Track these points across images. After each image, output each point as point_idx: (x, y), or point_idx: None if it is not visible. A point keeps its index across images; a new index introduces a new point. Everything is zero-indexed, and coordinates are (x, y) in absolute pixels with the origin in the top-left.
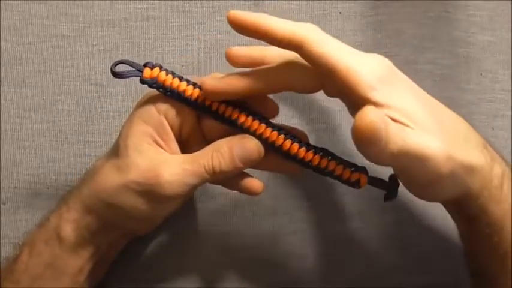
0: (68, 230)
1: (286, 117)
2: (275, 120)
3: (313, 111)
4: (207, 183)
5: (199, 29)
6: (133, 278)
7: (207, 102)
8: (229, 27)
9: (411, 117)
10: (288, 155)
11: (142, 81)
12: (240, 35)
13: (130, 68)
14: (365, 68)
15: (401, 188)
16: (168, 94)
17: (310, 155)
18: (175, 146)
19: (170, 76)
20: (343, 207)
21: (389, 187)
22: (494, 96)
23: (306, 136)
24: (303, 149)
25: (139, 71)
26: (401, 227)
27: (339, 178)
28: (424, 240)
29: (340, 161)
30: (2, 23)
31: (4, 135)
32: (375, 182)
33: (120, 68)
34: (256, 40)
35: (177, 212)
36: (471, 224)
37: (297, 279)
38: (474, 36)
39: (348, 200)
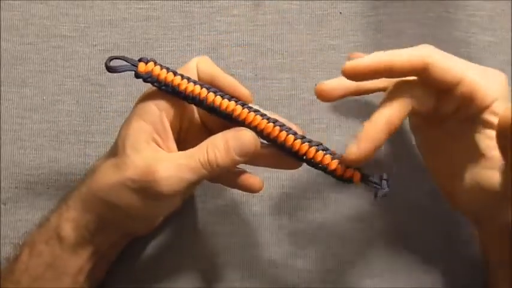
0: (68, 230)
1: (286, 117)
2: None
3: (313, 112)
4: (208, 183)
5: (200, 29)
6: (134, 278)
7: (202, 96)
8: (229, 28)
9: None
10: (283, 147)
11: (137, 76)
12: (240, 36)
13: (125, 63)
14: (487, 80)
15: (402, 188)
16: (162, 88)
17: (305, 147)
18: (172, 144)
19: (164, 70)
20: (343, 207)
21: (380, 185)
22: None
23: (302, 131)
24: (298, 141)
25: (134, 65)
26: (401, 227)
27: (332, 173)
28: (424, 241)
29: (335, 156)
30: (2, 23)
31: (4, 135)
32: (368, 179)
33: (115, 64)
34: (255, 41)
35: (177, 211)
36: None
37: (297, 279)
38: (474, 36)
39: (348, 200)
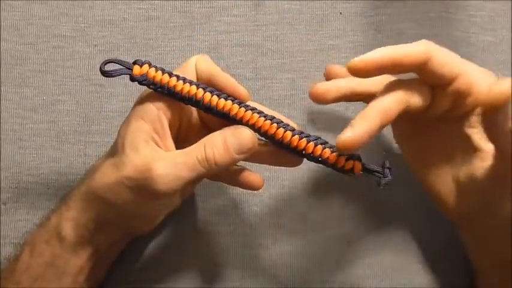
0: (68, 229)
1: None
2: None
3: (313, 112)
4: (208, 182)
5: (200, 30)
6: (134, 277)
7: (198, 96)
8: (229, 28)
9: None
10: (281, 144)
11: (132, 79)
12: (240, 36)
13: (120, 67)
14: (484, 77)
15: (402, 189)
16: (158, 90)
17: (303, 142)
18: (170, 142)
19: (160, 72)
20: (343, 207)
21: (383, 173)
22: None
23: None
24: (296, 137)
25: (129, 68)
26: (402, 227)
27: (333, 166)
28: (426, 240)
29: (334, 148)
30: (2, 23)
31: (4, 135)
32: (369, 169)
33: (110, 67)
34: (255, 41)
35: (177, 211)
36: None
37: (297, 279)
38: (475, 36)
39: (349, 200)
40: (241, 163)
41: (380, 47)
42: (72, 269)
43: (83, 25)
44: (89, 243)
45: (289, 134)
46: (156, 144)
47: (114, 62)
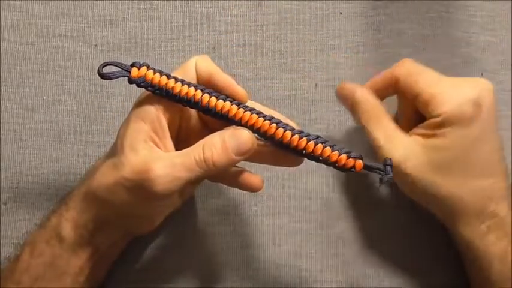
0: (68, 230)
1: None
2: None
3: (313, 112)
4: (208, 183)
5: (200, 30)
6: (134, 278)
7: (196, 98)
8: (229, 28)
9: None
10: (281, 144)
11: (131, 81)
12: (240, 36)
13: (119, 69)
14: (452, 93)
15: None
16: (157, 92)
17: (303, 141)
18: (170, 143)
19: (158, 74)
20: (343, 207)
21: (384, 171)
22: None
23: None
24: (296, 136)
25: (127, 71)
26: (403, 228)
27: (334, 164)
28: (426, 241)
29: (334, 147)
30: (2, 23)
31: (5, 135)
32: (370, 166)
33: (109, 69)
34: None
35: (178, 211)
36: (465, 252)
37: (297, 279)
38: (475, 36)
39: (349, 200)
40: (241, 164)
41: (380, 47)
42: (72, 269)
43: (83, 25)
44: (88, 244)
45: (288, 133)
46: (156, 145)
47: (113, 65)
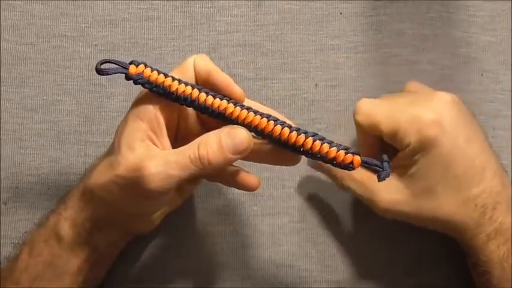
0: (66, 229)
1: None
2: None
3: (313, 111)
4: (208, 183)
5: (200, 30)
6: (134, 278)
7: (193, 96)
8: (229, 28)
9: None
10: (279, 141)
11: (128, 78)
12: (240, 36)
13: (116, 66)
14: (406, 129)
15: None
16: (154, 90)
17: (302, 138)
18: (166, 141)
19: (155, 72)
20: (342, 207)
21: (382, 167)
22: (495, 97)
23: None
24: (294, 134)
25: (125, 68)
26: (401, 227)
27: (332, 161)
28: (426, 241)
29: (332, 144)
30: (2, 23)
31: (5, 135)
32: (368, 163)
33: (107, 67)
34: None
35: (177, 212)
36: (468, 257)
37: (297, 279)
38: (475, 36)
39: (348, 200)
40: (241, 163)
41: (380, 47)
42: (71, 269)
43: (83, 25)
44: (87, 243)
45: (286, 130)
46: (153, 143)
47: (111, 62)
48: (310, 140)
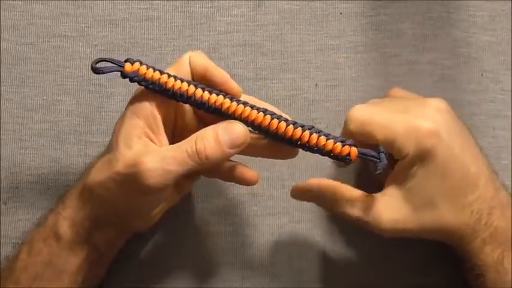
0: (65, 228)
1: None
2: None
3: (313, 111)
4: (208, 183)
5: (200, 30)
6: (133, 277)
7: (190, 92)
8: (229, 28)
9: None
10: (276, 135)
11: (124, 76)
12: (240, 36)
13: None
14: (404, 138)
15: None
16: (150, 87)
17: (299, 131)
18: (164, 138)
19: (151, 70)
20: None
21: (378, 158)
22: (495, 97)
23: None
24: (290, 127)
25: (121, 66)
26: None
27: (329, 154)
28: (424, 241)
29: (329, 136)
30: (2, 23)
31: (5, 135)
32: (365, 154)
33: (103, 66)
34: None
35: (177, 211)
36: (463, 261)
37: (297, 279)
38: (475, 36)
39: None
40: (238, 159)
41: (380, 47)
42: (70, 268)
43: (83, 25)
44: (86, 242)
45: (283, 124)
46: (151, 140)
47: (106, 61)
48: (307, 133)
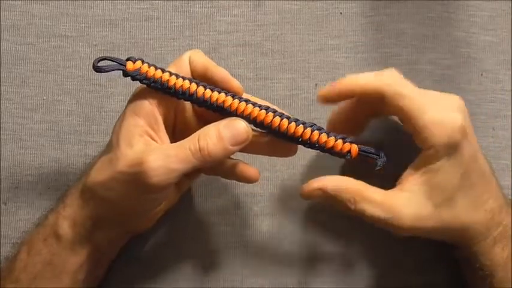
0: (65, 228)
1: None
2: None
3: (313, 111)
4: (208, 183)
5: (200, 30)
6: (134, 277)
7: (191, 90)
8: (229, 28)
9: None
10: (278, 132)
11: (126, 74)
12: (240, 36)
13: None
14: (437, 116)
15: None
16: (152, 85)
17: (300, 129)
18: (165, 136)
19: (153, 68)
20: None
21: (378, 155)
22: (495, 97)
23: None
24: (292, 124)
25: (122, 65)
26: None
27: (330, 150)
28: (425, 241)
29: (330, 133)
30: (2, 23)
31: (5, 135)
32: (366, 151)
33: (105, 65)
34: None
35: (177, 211)
36: (468, 262)
37: (297, 279)
38: (475, 36)
39: None
40: (239, 157)
41: (380, 47)
42: (71, 267)
43: (83, 25)
44: (87, 241)
45: (285, 121)
46: (151, 138)
47: (108, 59)
48: (308, 130)
